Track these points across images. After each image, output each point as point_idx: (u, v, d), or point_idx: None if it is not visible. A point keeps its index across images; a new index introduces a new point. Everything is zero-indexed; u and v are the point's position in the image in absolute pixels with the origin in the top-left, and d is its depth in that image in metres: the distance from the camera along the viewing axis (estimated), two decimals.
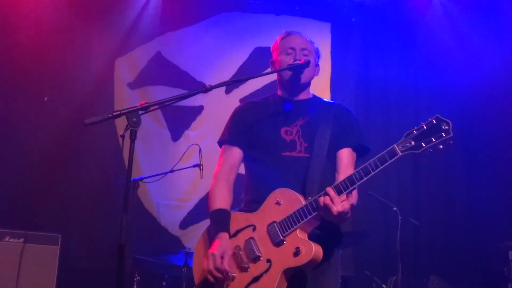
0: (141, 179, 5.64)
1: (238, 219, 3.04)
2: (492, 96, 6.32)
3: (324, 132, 3.04)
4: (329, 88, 6.71)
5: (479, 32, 6.46)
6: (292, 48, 3.16)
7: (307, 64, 3.06)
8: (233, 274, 2.90)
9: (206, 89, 2.79)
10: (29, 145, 6.76)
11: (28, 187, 6.68)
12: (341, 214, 2.70)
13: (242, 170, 3.29)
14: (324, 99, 3.31)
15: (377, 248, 6.33)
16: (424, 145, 2.63)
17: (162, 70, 7.20)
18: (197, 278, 3.07)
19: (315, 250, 2.75)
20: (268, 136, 3.10)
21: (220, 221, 3.03)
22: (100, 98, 7.01)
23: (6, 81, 6.77)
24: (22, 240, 5.67)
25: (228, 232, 2.99)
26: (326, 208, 2.70)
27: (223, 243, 2.93)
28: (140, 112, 2.59)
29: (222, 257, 2.89)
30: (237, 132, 3.20)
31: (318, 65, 3.27)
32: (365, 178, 2.70)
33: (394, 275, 5.70)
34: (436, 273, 5.79)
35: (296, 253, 2.76)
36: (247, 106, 3.31)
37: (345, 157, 3.08)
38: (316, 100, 3.26)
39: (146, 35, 7.22)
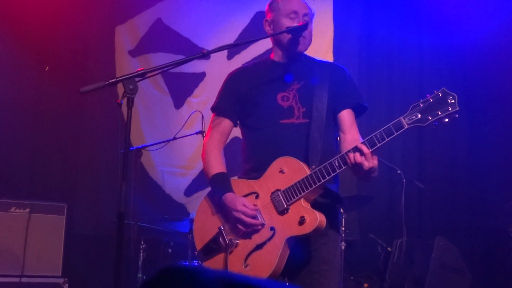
0: (144, 147, 5.64)
1: (240, 186, 3.02)
2: (498, 58, 6.23)
3: (322, 95, 3.00)
4: (332, 50, 6.62)
5: None
6: (295, 12, 3.08)
7: (304, 26, 3.00)
8: (237, 241, 2.92)
9: (202, 54, 2.75)
10: (32, 115, 6.76)
11: (33, 157, 6.70)
12: (372, 169, 2.71)
13: (239, 133, 3.28)
14: (316, 59, 3.25)
15: (381, 212, 6.33)
16: (430, 118, 2.65)
17: (163, 37, 7.12)
18: (198, 245, 3.09)
19: (320, 219, 2.76)
20: (264, 103, 3.07)
21: (223, 183, 3.03)
22: (101, 67, 6.98)
23: (8, 52, 6.73)
24: (28, 210, 5.69)
25: (233, 192, 2.98)
26: (357, 165, 2.69)
27: (235, 197, 2.93)
28: (137, 78, 2.56)
29: (244, 205, 2.89)
30: (228, 101, 3.19)
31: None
32: (370, 150, 2.69)
33: (399, 238, 5.71)
34: (441, 235, 5.79)
35: (301, 222, 2.77)
36: (240, 72, 3.27)
37: (347, 118, 3.08)
38: (309, 60, 3.20)
39: (146, 1, 7.14)
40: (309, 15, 3.11)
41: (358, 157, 2.68)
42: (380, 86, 6.52)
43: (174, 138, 5.71)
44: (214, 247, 3.00)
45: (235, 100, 3.16)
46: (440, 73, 6.50)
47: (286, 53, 3.14)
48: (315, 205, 2.85)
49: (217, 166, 3.10)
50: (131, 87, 2.53)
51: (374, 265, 5.99)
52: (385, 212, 6.33)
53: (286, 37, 3.07)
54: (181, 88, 7.04)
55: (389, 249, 5.78)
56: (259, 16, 6.83)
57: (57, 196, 6.30)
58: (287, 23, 3.06)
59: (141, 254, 5.56)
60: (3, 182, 6.29)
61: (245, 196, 2.98)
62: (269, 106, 3.06)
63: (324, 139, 2.94)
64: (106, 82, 2.50)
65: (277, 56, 3.19)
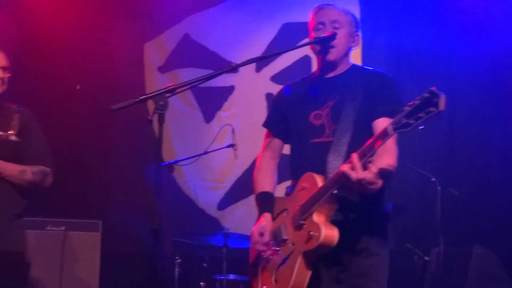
0: (175, 162, 5.67)
1: (278, 204, 3.11)
2: None
3: (351, 108, 2.93)
4: (361, 60, 6.57)
5: None
6: (322, 23, 3.06)
7: (332, 36, 2.97)
8: (269, 257, 3.00)
9: (231, 68, 2.76)
10: (65, 135, 6.83)
11: (66, 175, 6.75)
12: (361, 182, 2.55)
13: None
14: (365, 67, 3.19)
15: (417, 220, 6.22)
16: (412, 122, 2.43)
17: (191, 52, 7.17)
18: (250, 259, 3.19)
19: (325, 234, 2.71)
20: (298, 122, 3.09)
21: (262, 203, 3.13)
22: (131, 84, 7.06)
23: (38, 73, 6.85)
24: (63, 228, 5.75)
25: (270, 212, 3.07)
26: (344, 175, 2.58)
27: (263, 221, 3.03)
28: (167, 94, 2.57)
29: (261, 234, 2.99)
30: (274, 120, 3.25)
31: (358, 34, 3.14)
32: (363, 160, 2.56)
33: (436, 247, 5.62)
34: (479, 242, 5.68)
35: (309, 237, 2.76)
36: (283, 89, 3.29)
37: (379, 127, 2.83)
38: (354, 70, 3.12)
39: (173, 17, 7.20)
40: (341, 21, 3.06)
41: (345, 168, 2.57)
42: (409, 97, 6.40)
43: (205, 153, 5.73)
44: (256, 262, 3.09)
45: (279, 119, 3.21)
46: (471, 82, 6.37)
47: (321, 65, 3.13)
48: (356, 221, 2.87)
49: (262, 185, 3.18)
50: (161, 103, 2.52)
51: (412, 275, 5.90)
52: (420, 221, 6.23)
53: (316, 48, 3.07)
54: (210, 102, 7.07)
55: (426, 258, 5.69)
56: (286, 28, 6.82)
57: (91, 213, 6.35)
58: (316, 35, 3.07)
59: (176, 269, 5.57)
60: (38, 201, 6.36)
61: (280, 213, 3.05)
62: (302, 125, 3.06)
63: (347, 154, 2.79)
64: (137, 99, 2.50)
65: (318, 70, 3.18)
